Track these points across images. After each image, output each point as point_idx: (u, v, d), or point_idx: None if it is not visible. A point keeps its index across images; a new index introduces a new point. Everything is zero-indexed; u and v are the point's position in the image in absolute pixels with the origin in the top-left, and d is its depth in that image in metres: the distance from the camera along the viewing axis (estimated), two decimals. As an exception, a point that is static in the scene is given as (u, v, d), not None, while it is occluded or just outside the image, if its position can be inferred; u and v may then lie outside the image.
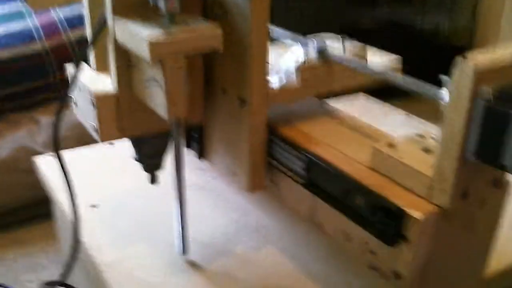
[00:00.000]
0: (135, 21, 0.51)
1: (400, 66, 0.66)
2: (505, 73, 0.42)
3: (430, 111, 1.75)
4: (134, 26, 0.50)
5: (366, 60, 0.61)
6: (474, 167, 0.44)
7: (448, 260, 0.51)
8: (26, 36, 1.07)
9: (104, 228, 0.71)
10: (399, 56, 0.66)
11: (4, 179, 0.99)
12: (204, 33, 0.49)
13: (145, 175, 0.68)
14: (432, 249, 0.49)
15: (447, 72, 1.39)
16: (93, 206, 0.75)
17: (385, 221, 0.49)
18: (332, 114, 0.64)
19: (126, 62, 0.54)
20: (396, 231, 0.48)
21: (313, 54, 0.59)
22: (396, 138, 0.54)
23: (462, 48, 1.84)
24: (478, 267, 0.55)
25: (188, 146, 0.69)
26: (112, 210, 0.75)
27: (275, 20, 0.57)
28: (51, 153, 0.89)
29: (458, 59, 0.41)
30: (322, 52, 0.58)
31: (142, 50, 0.48)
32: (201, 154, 0.68)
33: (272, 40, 0.68)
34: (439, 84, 0.46)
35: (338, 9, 1.74)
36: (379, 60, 0.64)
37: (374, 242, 0.51)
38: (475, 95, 0.41)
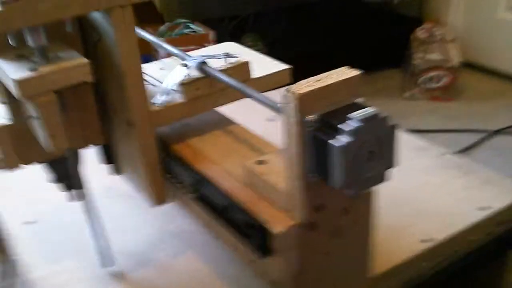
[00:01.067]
0: (9, 59, 0.53)
1: (288, 77, 0.68)
2: (327, 101, 0.44)
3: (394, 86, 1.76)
4: (5, 64, 0.52)
5: (249, 75, 0.64)
6: (321, 182, 0.47)
7: (326, 264, 0.55)
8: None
9: (38, 244, 0.75)
10: (289, 66, 0.68)
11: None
12: (71, 67, 0.52)
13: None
14: (304, 256, 0.52)
15: (402, 43, 1.39)
16: (29, 222, 0.79)
17: (255, 235, 0.52)
18: (223, 125, 0.67)
19: (14, 96, 0.57)
20: (264, 245, 0.51)
21: (195, 71, 0.61)
22: (273, 152, 0.57)
23: (412, 18, 1.85)
24: (360, 269, 0.59)
25: (109, 162, 0.72)
26: (47, 225, 0.79)
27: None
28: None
29: (284, 92, 0.44)
30: (202, 68, 0.61)
31: (13, 89, 0.51)
32: (116, 171, 0.71)
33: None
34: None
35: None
36: (267, 72, 0.67)
37: (253, 253, 0.54)
38: (301, 123, 0.44)
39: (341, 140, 0.42)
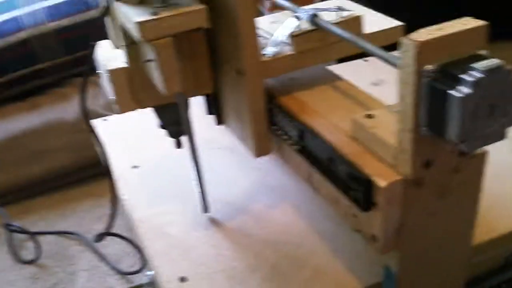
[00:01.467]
0: (132, 4, 0.56)
1: (400, 34, 0.66)
2: (448, 51, 0.42)
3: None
4: (128, 9, 0.55)
5: (361, 29, 0.63)
6: (433, 137, 0.46)
7: (429, 225, 0.53)
8: (83, 4, 1.17)
9: (142, 187, 0.80)
10: (402, 23, 0.66)
11: (72, 139, 1.11)
12: (189, 13, 0.54)
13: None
14: (405, 214, 0.51)
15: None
16: (135, 167, 0.84)
17: (358, 189, 0.52)
18: (331, 81, 0.66)
19: (133, 41, 0.60)
20: (367, 198, 0.51)
21: (306, 23, 0.61)
22: (382, 108, 0.56)
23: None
24: (464, 235, 0.57)
25: (210, 112, 0.75)
26: (151, 171, 0.83)
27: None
28: (105, 117, 0.99)
29: (403, 39, 0.42)
30: (314, 21, 0.60)
31: (134, 32, 0.54)
32: (219, 120, 0.73)
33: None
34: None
35: None
36: (380, 27, 0.65)
37: (354, 207, 0.54)
38: (419, 73, 0.42)
39: (462, 90, 0.40)
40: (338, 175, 0.55)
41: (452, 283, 0.61)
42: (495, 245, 0.65)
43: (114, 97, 0.64)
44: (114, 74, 0.61)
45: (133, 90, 0.63)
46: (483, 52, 0.44)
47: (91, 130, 0.66)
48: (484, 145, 0.45)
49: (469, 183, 0.53)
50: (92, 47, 0.61)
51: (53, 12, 1.17)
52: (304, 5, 0.64)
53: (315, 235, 0.68)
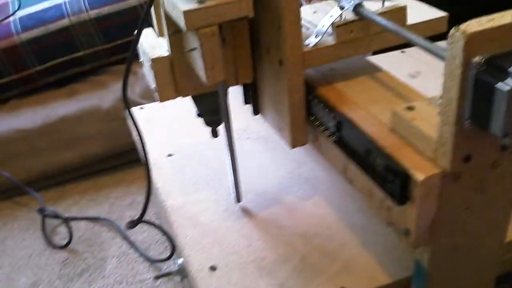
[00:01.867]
0: (180, -7, 0.57)
1: (445, 25, 0.65)
2: (498, 42, 0.42)
3: None
4: (176, -2, 0.56)
5: (405, 20, 0.63)
6: (474, 131, 0.46)
7: (462, 220, 0.53)
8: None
9: (176, 175, 0.81)
10: (445, 14, 0.66)
11: (108, 127, 1.13)
12: (235, 2, 0.54)
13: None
14: (441, 208, 0.51)
15: None
16: (169, 155, 0.85)
17: (395, 181, 0.52)
18: (371, 72, 0.66)
19: (177, 29, 0.61)
20: (404, 191, 0.51)
21: (349, 13, 0.61)
22: (423, 100, 0.56)
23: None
24: (498, 231, 0.56)
25: (247, 102, 0.75)
26: (184, 159, 0.85)
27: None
28: (142, 106, 1.01)
29: (452, 30, 0.42)
30: (358, 11, 0.61)
31: (180, 20, 0.55)
32: (256, 110, 0.74)
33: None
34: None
35: None
36: (424, 18, 0.65)
37: (389, 200, 0.54)
38: (467, 65, 0.42)
39: (510, 84, 0.40)
40: (375, 167, 0.55)
41: (483, 279, 0.61)
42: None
43: (155, 85, 0.65)
44: (157, 62, 0.62)
45: (174, 79, 0.64)
46: (533, 46, 0.43)
47: (130, 116, 0.67)
48: (528, 140, 0.45)
49: (507, 178, 0.52)
50: (137, 35, 0.62)
51: (93, 0, 1.20)
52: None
53: (347, 228, 0.68)
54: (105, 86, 1.18)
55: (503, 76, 0.41)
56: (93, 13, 1.18)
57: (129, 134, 1.03)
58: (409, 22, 0.64)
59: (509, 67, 0.40)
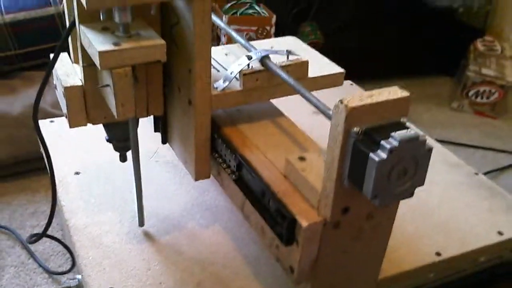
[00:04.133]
0: (95, 30, 0.59)
1: (342, 79, 0.72)
2: (375, 116, 0.49)
3: (444, 93, 1.77)
4: (92, 35, 0.58)
5: (306, 73, 0.69)
6: (352, 188, 0.52)
7: (342, 262, 0.60)
8: (41, 0, 1.19)
9: (81, 194, 0.83)
10: (343, 70, 0.72)
11: (16, 134, 1.12)
12: (149, 46, 0.58)
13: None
14: (322, 251, 0.57)
15: (459, 51, 1.41)
16: (77, 173, 0.87)
17: (283, 224, 0.57)
18: (274, 117, 0.72)
19: (91, 62, 0.63)
20: (290, 234, 0.57)
21: (256, 63, 0.66)
22: (314, 151, 0.62)
23: (475, 29, 1.84)
24: (373, 270, 0.64)
25: (156, 130, 0.79)
26: (92, 178, 0.86)
27: None
28: (52, 120, 1.01)
29: (337, 102, 0.48)
30: (264, 62, 0.66)
31: (95, 59, 0.57)
32: (164, 139, 0.77)
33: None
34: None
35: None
36: (323, 72, 0.71)
37: (278, 239, 0.59)
38: (347, 133, 0.49)
39: (381, 155, 0.46)
40: (268, 209, 0.61)
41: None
42: (399, 280, 0.72)
43: (66, 112, 0.67)
44: (69, 91, 0.64)
45: (86, 108, 0.67)
46: (404, 120, 0.50)
47: (38, 132, 0.68)
48: (394, 201, 0.52)
49: (380, 227, 0.59)
50: (53, 60, 0.63)
51: (10, 4, 1.18)
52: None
53: (241, 258, 0.73)
54: (16, 91, 1.16)
55: (376, 147, 0.47)
56: (8, 17, 1.16)
57: (38, 142, 1.02)
58: (311, 75, 0.70)
59: (381, 140, 0.47)
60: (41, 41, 1.19)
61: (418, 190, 0.52)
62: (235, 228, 0.77)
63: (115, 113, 0.61)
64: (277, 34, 1.46)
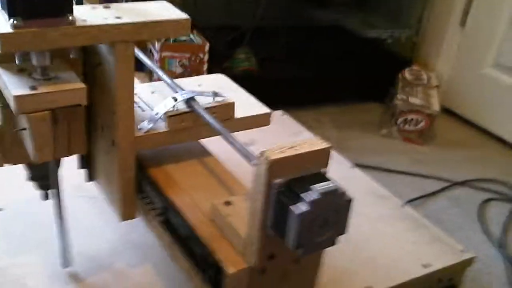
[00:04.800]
0: (11, 71, 0.57)
1: (268, 120, 0.73)
2: (297, 167, 0.49)
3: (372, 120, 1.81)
4: (7, 77, 0.56)
5: (233, 114, 0.69)
6: (277, 236, 0.52)
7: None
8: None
9: (4, 233, 0.79)
10: (269, 111, 0.73)
11: None
12: (68, 90, 0.56)
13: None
14: (249, 297, 0.57)
15: (388, 79, 1.46)
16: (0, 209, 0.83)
17: (210, 271, 0.57)
18: (201, 157, 0.71)
19: (7, 103, 0.61)
20: (217, 281, 0.56)
21: (182, 104, 0.66)
22: (241, 194, 0.62)
23: (403, 58, 1.92)
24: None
25: (81, 167, 0.76)
26: (15, 216, 0.82)
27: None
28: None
29: (258, 154, 0.48)
30: (189, 103, 0.66)
31: (11, 102, 0.55)
32: (89, 177, 0.75)
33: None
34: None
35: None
36: (249, 113, 0.72)
37: (205, 285, 0.59)
38: (269, 185, 0.49)
39: (300, 208, 0.47)
40: (194, 253, 0.60)
41: None
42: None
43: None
44: (-16, 132, 0.62)
45: (3, 149, 0.64)
46: (324, 171, 0.51)
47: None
48: (317, 251, 0.52)
49: (307, 270, 0.60)
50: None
51: None
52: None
53: (171, 298, 0.72)
54: None
55: (297, 199, 0.47)
56: None
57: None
58: (237, 115, 0.70)
59: (301, 192, 0.47)
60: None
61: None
62: (165, 266, 0.76)
63: (32, 157, 0.58)
64: (211, 61, 1.45)
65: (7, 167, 0.88)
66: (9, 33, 0.50)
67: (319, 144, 0.50)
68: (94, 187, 0.83)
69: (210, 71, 1.40)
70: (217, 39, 1.60)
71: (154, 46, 1.43)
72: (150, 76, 1.45)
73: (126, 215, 0.69)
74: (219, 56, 1.57)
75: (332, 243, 0.51)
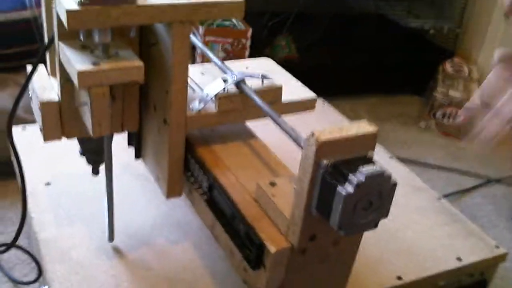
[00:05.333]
0: (74, 48, 0.60)
1: (315, 104, 0.74)
2: (344, 149, 0.51)
3: (412, 113, 1.80)
4: (71, 53, 0.59)
5: (280, 98, 0.71)
6: (320, 217, 0.54)
7: (305, 285, 0.61)
8: (17, 3, 1.18)
9: (52, 206, 0.83)
10: (315, 96, 0.75)
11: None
12: (127, 67, 0.59)
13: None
14: (289, 275, 0.59)
15: (429, 72, 1.46)
16: (48, 183, 0.86)
17: (252, 249, 0.59)
18: (248, 140, 0.73)
19: (69, 78, 0.64)
20: (258, 258, 0.58)
21: (232, 86, 0.68)
22: (285, 176, 0.64)
23: (445, 50, 1.90)
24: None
25: (130, 144, 0.79)
26: (62, 189, 0.86)
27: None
28: (24, 126, 1.00)
29: (308, 135, 0.50)
30: (239, 85, 0.68)
31: (73, 77, 0.58)
32: (137, 155, 0.78)
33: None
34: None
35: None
36: (296, 98, 0.73)
37: (246, 262, 0.61)
38: (317, 165, 0.50)
39: (347, 189, 0.48)
40: (237, 231, 0.62)
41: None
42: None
43: (40, 125, 0.67)
44: (45, 106, 0.65)
45: (61, 123, 0.67)
46: (372, 154, 0.53)
47: (10, 140, 0.68)
48: (359, 232, 0.54)
49: (346, 253, 0.61)
50: (30, 74, 0.64)
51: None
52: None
53: (209, 276, 0.74)
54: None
55: (343, 181, 0.49)
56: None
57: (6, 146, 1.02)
58: (284, 99, 0.72)
59: (349, 174, 0.49)
60: (15, 44, 1.19)
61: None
62: (204, 245, 0.79)
63: (91, 131, 0.61)
64: (252, 47, 1.47)
65: (55, 144, 0.93)
66: (76, 10, 0.53)
67: (367, 127, 0.52)
68: (140, 165, 0.87)
69: (251, 57, 1.42)
70: (258, 25, 1.61)
71: (198, 30, 1.46)
72: (192, 60, 1.48)
73: (173, 192, 0.72)
74: (260, 42, 1.59)
75: (374, 225, 0.53)
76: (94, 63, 0.57)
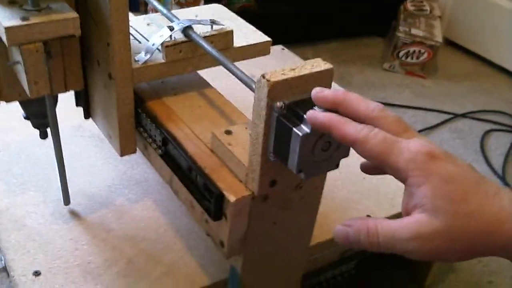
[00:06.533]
0: (1, 3, 0.55)
1: (269, 48, 0.71)
2: (298, 90, 0.48)
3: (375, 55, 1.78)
4: (-2, 9, 0.54)
5: (231, 43, 0.67)
6: (278, 161, 0.51)
7: (270, 233, 0.60)
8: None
9: (2, 175, 0.79)
10: (269, 39, 0.71)
11: None
12: (61, 20, 0.54)
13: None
14: (251, 224, 0.57)
15: (390, 12, 1.41)
16: (-5, 150, 0.82)
17: (211, 200, 0.56)
18: (201, 89, 0.70)
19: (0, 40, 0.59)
20: (218, 209, 0.56)
21: (179, 34, 0.64)
22: (241, 123, 0.61)
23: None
24: (304, 238, 0.64)
25: (78, 105, 0.75)
26: (12, 157, 0.82)
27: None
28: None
29: (259, 77, 0.47)
30: (186, 33, 0.64)
31: (2, 35, 0.53)
32: (86, 115, 0.74)
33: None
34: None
35: None
36: (249, 42, 0.70)
37: (207, 214, 0.58)
38: (270, 108, 0.47)
39: (304, 129, 0.46)
40: (195, 184, 0.59)
41: (291, 279, 0.68)
42: (331, 245, 0.73)
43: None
44: (-22, 68, 0.60)
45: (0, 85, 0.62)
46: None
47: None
48: (320, 174, 0.52)
49: (309, 197, 0.59)
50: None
51: None
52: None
53: (172, 232, 0.72)
54: None
55: (299, 121, 0.46)
56: None
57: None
58: (236, 44, 0.68)
59: (304, 113, 0.46)
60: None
61: (349, 156, 0.51)
62: (166, 201, 0.76)
63: (27, 91, 0.57)
64: (207, -1, 1.42)
65: (2, 109, 0.88)
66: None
67: (321, 65, 0.49)
68: (94, 126, 0.83)
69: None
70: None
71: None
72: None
73: (126, 150, 0.68)
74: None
75: (335, 166, 0.51)
76: (23, 18, 0.53)
